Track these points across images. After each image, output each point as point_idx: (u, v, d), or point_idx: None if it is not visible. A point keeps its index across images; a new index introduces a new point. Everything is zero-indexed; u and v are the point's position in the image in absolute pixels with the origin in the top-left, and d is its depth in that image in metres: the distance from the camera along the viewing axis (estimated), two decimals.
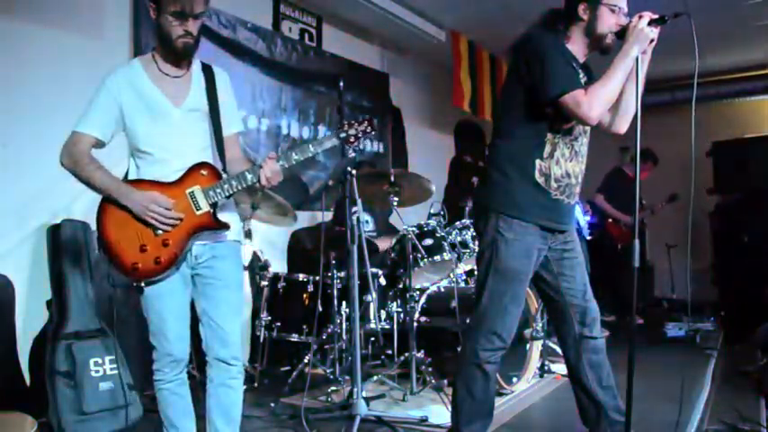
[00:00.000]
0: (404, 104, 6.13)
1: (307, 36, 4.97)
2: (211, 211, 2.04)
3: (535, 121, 2.17)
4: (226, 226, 2.07)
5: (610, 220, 6.08)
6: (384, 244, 4.22)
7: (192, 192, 2.02)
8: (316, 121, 4.94)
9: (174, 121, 2.05)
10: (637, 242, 2.00)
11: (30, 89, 3.12)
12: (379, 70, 5.79)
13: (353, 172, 2.87)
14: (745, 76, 6.77)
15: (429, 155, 6.45)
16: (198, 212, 2.02)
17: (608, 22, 2.16)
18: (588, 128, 2.27)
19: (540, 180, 2.18)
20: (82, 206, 3.18)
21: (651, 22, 2.04)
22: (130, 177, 2.07)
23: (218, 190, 2.04)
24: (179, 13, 1.95)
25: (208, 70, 2.16)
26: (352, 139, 2.18)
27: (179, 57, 2.06)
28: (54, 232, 3.09)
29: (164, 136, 2.04)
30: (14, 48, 3.08)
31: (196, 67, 2.15)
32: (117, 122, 2.04)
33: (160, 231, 1.98)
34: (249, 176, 2.03)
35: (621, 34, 2.11)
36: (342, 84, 2.97)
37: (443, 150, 6.87)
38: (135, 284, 1.99)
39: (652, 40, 2.07)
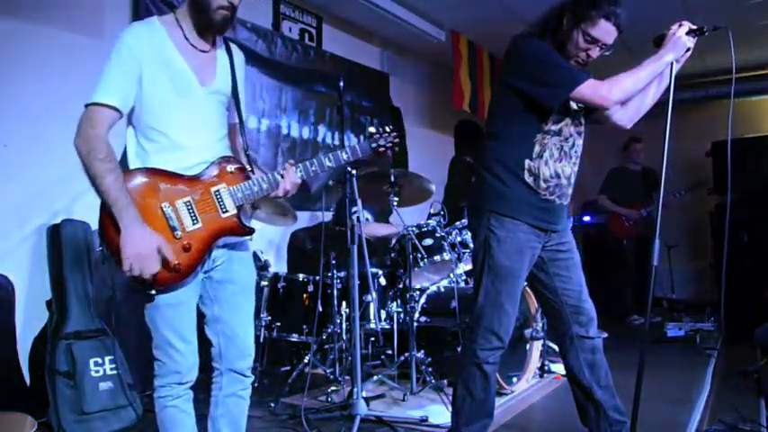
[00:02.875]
0: (404, 104, 6.12)
1: (307, 36, 4.97)
2: (238, 214, 1.83)
3: (524, 121, 2.18)
4: (252, 231, 1.87)
5: (613, 216, 6.08)
6: (384, 230, 4.21)
7: (218, 191, 1.81)
8: (316, 121, 4.94)
9: (197, 102, 1.80)
10: (657, 241, 2.00)
11: (30, 89, 3.12)
12: (379, 70, 5.79)
13: (353, 172, 2.87)
14: (746, 76, 6.77)
15: (429, 155, 6.45)
16: (224, 215, 1.81)
17: (577, 47, 2.14)
18: (582, 129, 2.28)
19: (530, 180, 2.19)
20: (82, 206, 3.18)
21: (690, 32, 2.06)
22: (133, 163, 1.79)
23: (248, 192, 1.83)
24: None
25: (227, 47, 1.94)
26: (381, 150, 2.07)
27: (212, 30, 1.81)
28: (54, 232, 3.09)
29: (184, 117, 1.78)
30: (14, 47, 3.07)
31: (220, 42, 1.91)
32: (136, 90, 1.74)
33: (180, 233, 1.74)
34: (265, 186, 1.86)
35: (658, 42, 2.11)
36: (342, 84, 2.97)
37: (443, 150, 6.87)
38: (146, 292, 1.75)
39: (688, 49, 2.08)
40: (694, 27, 2.06)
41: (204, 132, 1.84)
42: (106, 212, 1.69)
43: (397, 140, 2.08)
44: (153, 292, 1.74)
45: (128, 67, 1.71)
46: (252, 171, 1.92)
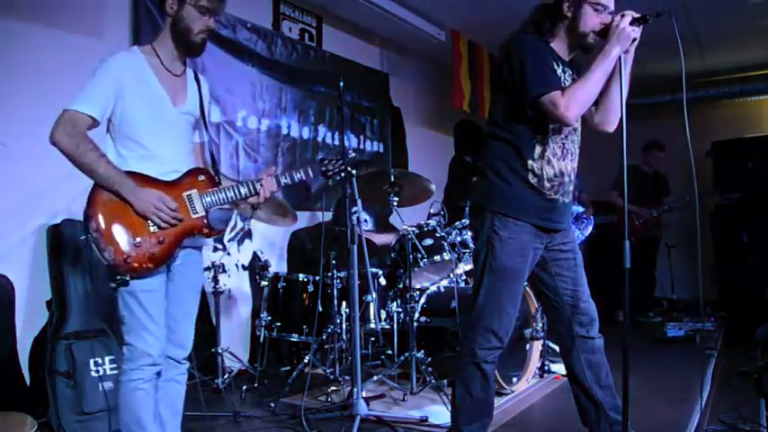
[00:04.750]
0: (404, 104, 6.12)
1: (307, 36, 4.97)
2: (206, 216, 2.11)
3: (524, 121, 2.17)
4: (217, 232, 2.16)
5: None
6: (383, 239, 4.23)
7: (190, 195, 2.09)
8: (316, 121, 4.94)
9: (170, 120, 2.09)
10: (627, 242, 2.00)
11: (30, 89, 3.11)
12: (379, 70, 5.79)
13: (353, 172, 2.87)
14: (745, 76, 6.77)
15: (429, 155, 6.45)
16: (194, 216, 2.09)
17: (591, 21, 2.13)
18: (578, 124, 2.27)
19: (534, 181, 2.18)
20: (82, 206, 3.17)
21: (633, 22, 2.03)
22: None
23: (215, 198, 2.13)
24: (206, 9, 2.04)
25: (195, 76, 2.24)
26: (329, 174, 2.41)
27: (191, 52, 2.12)
28: (54, 232, 3.09)
29: (162, 132, 2.07)
30: (15, 47, 3.07)
31: (189, 69, 2.21)
32: (113, 106, 2.01)
33: (155, 228, 1.99)
34: (243, 191, 2.16)
35: (603, 33, 2.09)
36: (342, 84, 2.97)
37: (443, 150, 6.87)
38: (119, 277, 1.95)
39: (635, 40, 2.05)
40: (637, 16, 2.03)
41: (176, 145, 2.12)
42: (97, 195, 1.96)
43: (342, 168, 2.43)
44: (127, 278, 1.96)
45: (109, 85, 1.98)
46: (219, 182, 2.19)
